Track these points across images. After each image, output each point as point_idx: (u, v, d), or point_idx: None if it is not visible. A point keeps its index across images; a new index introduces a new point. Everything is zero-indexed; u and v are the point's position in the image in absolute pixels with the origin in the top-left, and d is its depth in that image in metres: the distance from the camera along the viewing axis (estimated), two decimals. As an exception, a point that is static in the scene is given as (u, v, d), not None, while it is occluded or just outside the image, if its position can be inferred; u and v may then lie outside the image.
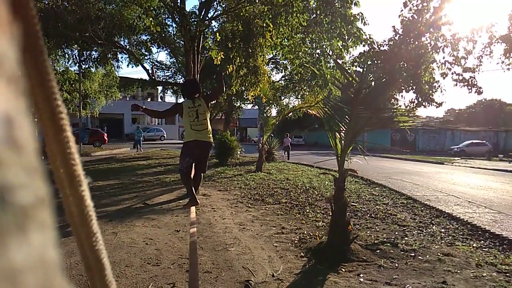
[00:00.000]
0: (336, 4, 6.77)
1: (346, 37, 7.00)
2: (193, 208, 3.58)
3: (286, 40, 7.69)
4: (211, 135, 3.83)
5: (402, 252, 3.85)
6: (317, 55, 8.13)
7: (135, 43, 13.72)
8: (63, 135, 0.26)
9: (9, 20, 0.19)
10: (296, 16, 6.99)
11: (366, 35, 6.96)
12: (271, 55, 14.77)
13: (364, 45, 6.95)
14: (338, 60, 7.31)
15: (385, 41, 6.63)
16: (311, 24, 7.49)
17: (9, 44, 0.19)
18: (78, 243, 0.31)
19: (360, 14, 6.96)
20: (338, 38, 7.08)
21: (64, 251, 3.37)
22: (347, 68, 7.13)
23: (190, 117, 3.66)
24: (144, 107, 3.69)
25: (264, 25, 7.33)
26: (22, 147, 0.19)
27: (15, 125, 0.18)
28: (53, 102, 0.25)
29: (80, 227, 0.29)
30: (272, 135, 14.05)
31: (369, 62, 6.36)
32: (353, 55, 7.85)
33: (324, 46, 7.70)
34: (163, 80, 19.23)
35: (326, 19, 6.91)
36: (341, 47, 7.26)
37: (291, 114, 12.88)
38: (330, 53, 7.62)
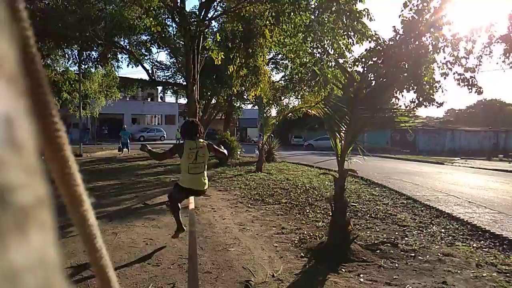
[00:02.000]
0: (341, 1, 6.69)
1: (352, 33, 6.91)
2: (192, 206, 3.58)
3: (288, 38, 7.66)
4: (206, 180, 3.83)
5: (402, 252, 3.85)
6: (318, 54, 8.09)
7: (135, 43, 13.73)
8: (61, 154, 0.25)
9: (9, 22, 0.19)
10: (299, 14, 6.95)
11: (371, 31, 6.87)
12: (271, 55, 14.75)
13: (370, 41, 6.84)
14: (338, 60, 7.28)
15: (386, 40, 6.61)
16: (313, 23, 7.47)
17: (9, 45, 0.19)
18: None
19: (366, 10, 6.89)
20: (343, 36, 7.01)
21: (64, 251, 3.37)
22: (348, 67, 7.10)
23: (189, 158, 3.66)
24: (149, 148, 3.86)
25: (267, 22, 7.28)
26: (22, 147, 0.19)
27: (15, 125, 0.18)
28: (50, 118, 0.24)
29: (83, 244, 0.29)
30: (272, 135, 14.04)
31: (373, 60, 6.31)
32: (353, 56, 7.82)
33: (325, 46, 7.66)
34: (163, 80, 19.23)
35: (329, 18, 6.87)
36: (342, 46, 7.22)
37: (291, 114, 12.88)
38: (331, 52, 7.58)
